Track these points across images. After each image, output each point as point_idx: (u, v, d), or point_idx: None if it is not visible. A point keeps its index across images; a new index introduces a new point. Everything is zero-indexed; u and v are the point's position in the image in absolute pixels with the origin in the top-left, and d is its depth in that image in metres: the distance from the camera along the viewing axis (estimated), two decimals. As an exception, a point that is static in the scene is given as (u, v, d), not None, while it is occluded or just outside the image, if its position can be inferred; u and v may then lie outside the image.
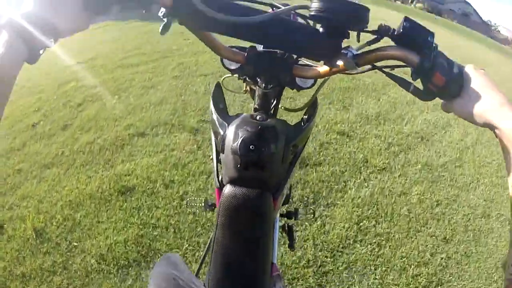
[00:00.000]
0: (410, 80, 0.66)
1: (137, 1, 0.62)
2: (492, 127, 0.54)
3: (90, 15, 0.60)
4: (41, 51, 0.53)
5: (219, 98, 0.91)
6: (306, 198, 2.80)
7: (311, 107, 0.93)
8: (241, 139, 0.68)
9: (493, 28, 49.32)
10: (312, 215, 2.55)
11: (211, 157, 1.29)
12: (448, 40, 16.18)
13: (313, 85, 0.90)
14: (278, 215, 1.18)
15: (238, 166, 0.70)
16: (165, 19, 0.69)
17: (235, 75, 0.95)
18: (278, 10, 0.66)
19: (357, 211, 2.77)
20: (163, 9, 0.66)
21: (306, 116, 0.90)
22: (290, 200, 2.40)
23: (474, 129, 4.81)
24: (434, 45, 0.62)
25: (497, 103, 0.54)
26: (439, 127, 4.78)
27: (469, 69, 0.61)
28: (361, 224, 2.65)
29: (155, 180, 2.84)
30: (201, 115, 3.84)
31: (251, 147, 0.67)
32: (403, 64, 0.66)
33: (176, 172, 2.96)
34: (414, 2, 38.90)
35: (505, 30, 50.43)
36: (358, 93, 5.14)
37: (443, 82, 0.59)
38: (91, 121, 3.79)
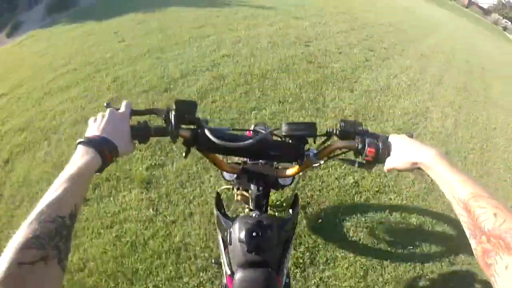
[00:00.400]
0: (353, 158, 0.98)
1: (167, 135, 0.90)
2: (418, 167, 0.78)
3: (136, 143, 0.89)
4: (108, 164, 0.77)
5: (219, 204, 1.19)
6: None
7: (294, 202, 1.21)
8: (246, 230, 0.96)
9: None
10: None
11: (218, 249, 1.33)
12: (404, 3, 15.95)
13: (291, 183, 1.28)
14: None
15: (246, 251, 0.96)
16: (186, 147, 0.97)
17: (229, 186, 1.50)
18: (260, 135, 0.94)
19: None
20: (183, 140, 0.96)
21: (291, 209, 1.20)
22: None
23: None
24: (363, 130, 0.95)
25: (415, 151, 0.80)
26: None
27: (392, 137, 0.89)
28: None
29: (114, 276, 2.24)
30: (150, 158, 3.17)
31: (253, 234, 0.95)
32: (347, 150, 1.00)
33: (137, 256, 2.36)
34: None
35: None
36: (329, 86, 4.77)
37: (373, 153, 0.87)
38: (21, 187, 3.10)
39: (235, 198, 1.37)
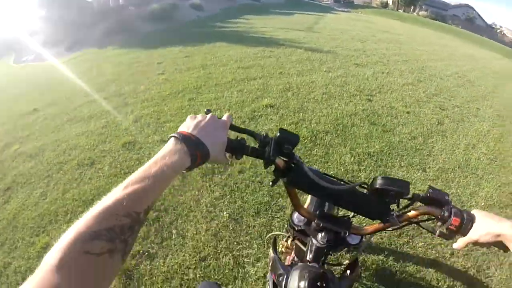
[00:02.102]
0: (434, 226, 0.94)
1: (263, 159, 0.85)
2: (499, 240, 0.75)
3: (230, 156, 0.84)
4: (195, 167, 0.71)
5: (275, 248, 1.23)
6: None
7: (353, 264, 1.13)
8: (308, 279, 0.89)
9: (498, 31, 47.68)
10: None
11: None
12: (466, 51, 14.90)
13: (359, 243, 1.15)
14: None
15: None
16: (275, 177, 0.93)
17: (282, 233, 1.75)
18: (356, 183, 0.92)
19: None
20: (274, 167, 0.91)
21: (348, 271, 1.13)
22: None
23: None
24: (449, 200, 0.90)
25: (497, 223, 0.76)
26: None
27: (476, 211, 0.85)
28: None
29: None
30: (141, 241, 2.39)
31: (317, 284, 0.88)
32: (430, 216, 0.94)
33: None
34: (417, 10, 38.44)
35: (510, 32, 48.52)
36: (396, 160, 3.70)
37: (458, 223, 0.84)
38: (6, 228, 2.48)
39: (281, 249, 1.49)
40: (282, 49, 7.83)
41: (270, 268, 1.13)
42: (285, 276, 1.00)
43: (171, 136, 0.70)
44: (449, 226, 0.86)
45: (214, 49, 7.79)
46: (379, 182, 0.92)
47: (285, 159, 0.91)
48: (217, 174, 3.00)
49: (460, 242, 0.86)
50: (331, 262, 1.51)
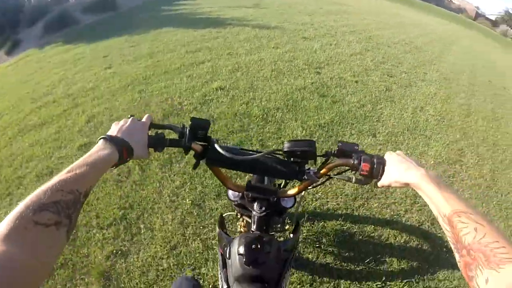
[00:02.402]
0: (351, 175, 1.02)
1: (181, 147, 0.98)
2: (407, 186, 0.83)
3: (151, 150, 0.95)
4: (123, 162, 0.84)
5: (222, 225, 1.27)
6: None
7: (295, 228, 1.27)
8: (245, 243, 0.99)
9: None
10: None
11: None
12: (413, 18, 15.34)
13: (292, 205, 1.30)
14: None
15: (244, 263, 0.97)
16: (195, 160, 1.05)
17: (233, 213, 1.72)
18: (264, 151, 1.00)
19: None
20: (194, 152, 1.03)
21: (292, 234, 1.24)
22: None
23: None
24: (358, 149, 1.00)
25: (405, 171, 0.84)
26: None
27: (388, 154, 0.94)
28: None
29: None
30: (112, 241, 2.43)
31: (252, 246, 0.98)
32: (344, 167, 1.04)
33: None
34: None
35: None
36: (347, 129, 3.90)
37: (368, 168, 0.93)
38: None
39: (240, 229, 1.57)
40: (229, 28, 7.78)
41: (218, 242, 1.22)
42: (228, 245, 1.08)
43: (100, 138, 0.82)
44: (361, 172, 0.94)
45: (160, 35, 7.62)
46: (286, 145, 1.01)
47: (201, 143, 1.02)
48: (175, 164, 3.06)
49: (378, 185, 0.94)
50: (278, 230, 1.72)
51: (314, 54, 6.25)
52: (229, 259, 1.04)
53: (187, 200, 2.68)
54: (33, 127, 4.33)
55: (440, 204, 0.69)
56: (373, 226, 2.60)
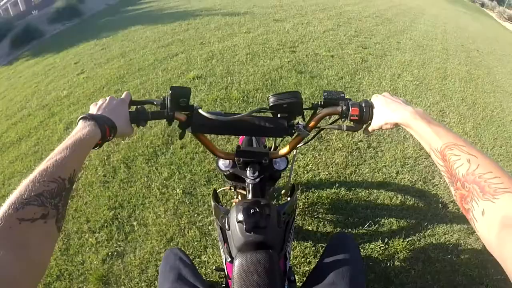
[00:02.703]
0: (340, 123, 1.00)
1: (163, 118, 0.94)
2: (397, 125, 0.83)
3: (134, 126, 0.92)
4: (107, 140, 0.80)
5: (217, 199, 1.28)
6: None
7: (292, 191, 1.30)
8: (243, 209, 0.96)
9: None
10: None
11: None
12: None
13: (286, 167, 1.25)
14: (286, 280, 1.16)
15: (244, 230, 0.94)
16: (181, 130, 1.02)
17: (227, 188, 1.63)
18: (250, 111, 0.96)
19: None
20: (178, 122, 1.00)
21: (288, 198, 1.27)
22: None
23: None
24: (344, 96, 0.98)
25: (393, 111, 0.83)
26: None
27: (374, 97, 0.93)
28: None
29: None
30: (106, 243, 2.36)
31: (251, 211, 0.95)
32: (333, 116, 1.01)
33: None
34: None
35: None
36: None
37: (357, 112, 0.91)
38: None
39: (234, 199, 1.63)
40: (199, 19, 7.67)
41: (214, 216, 1.17)
42: (226, 216, 1.05)
43: (79, 119, 0.77)
44: (351, 118, 0.92)
45: (130, 34, 7.48)
46: (271, 100, 0.97)
47: (184, 112, 0.99)
48: (160, 156, 3.00)
49: (366, 131, 0.94)
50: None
51: (287, 34, 6.22)
52: (229, 229, 1.02)
53: (178, 190, 2.63)
54: (11, 144, 4.20)
55: (431, 139, 0.69)
56: (367, 191, 2.61)
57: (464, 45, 7.76)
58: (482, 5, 29.29)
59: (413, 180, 2.76)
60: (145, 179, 2.79)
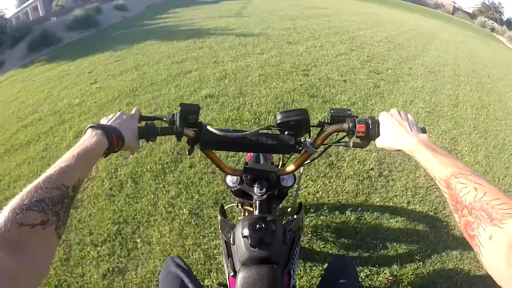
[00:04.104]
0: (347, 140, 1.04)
1: (173, 134, 0.96)
2: (401, 150, 0.83)
3: (143, 141, 0.95)
4: (113, 151, 0.81)
5: (223, 213, 1.23)
6: None
7: (298, 209, 1.22)
8: (249, 225, 0.95)
9: None
10: None
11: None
12: (392, 17, 15.69)
13: (293, 184, 1.26)
14: None
15: (249, 245, 0.93)
16: (189, 146, 1.03)
17: (234, 204, 1.58)
18: (257, 128, 0.97)
19: None
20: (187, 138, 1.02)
21: (295, 215, 1.19)
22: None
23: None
24: (351, 114, 0.99)
25: (398, 137, 0.84)
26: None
27: (382, 116, 0.92)
28: None
29: None
30: (108, 258, 2.30)
31: (257, 226, 0.95)
32: (341, 133, 1.01)
33: None
34: None
35: None
36: None
37: (364, 129, 0.92)
38: None
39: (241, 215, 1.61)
40: (213, 38, 7.79)
41: (220, 230, 1.16)
42: (231, 230, 1.05)
43: (88, 127, 0.78)
44: (358, 135, 0.93)
45: (145, 48, 7.60)
46: (278, 117, 0.99)
47: (193, 128, 1.01)
48: (168, 174, 2.98)
49: (376, 145, 0.94)
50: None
51: (300, 57, 6.29)
52: (234, 244, 1.01)
53: (184, 210, 2.59)
54: (20, 146, 4.21)
55: (437, 168, 0.70)
56: (377, 220, 2.56)
57: (475, 71, 7.79)
58: (492, 30, 29.82)
59: (424, 211, 2.71)
60: (152, 196, 2.77)
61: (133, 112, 0.97)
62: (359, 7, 17.87)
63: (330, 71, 5.63)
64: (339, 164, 3.14)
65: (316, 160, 3.11)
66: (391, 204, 2.76)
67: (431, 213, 2.71)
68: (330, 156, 3.19)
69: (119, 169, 3.12)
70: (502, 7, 44.65)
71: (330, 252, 2.28)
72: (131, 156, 3.24)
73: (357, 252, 2.29)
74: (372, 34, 9.52)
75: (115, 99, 4.79)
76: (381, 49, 7.83)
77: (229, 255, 1.05)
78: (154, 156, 3.21)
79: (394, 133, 0.86)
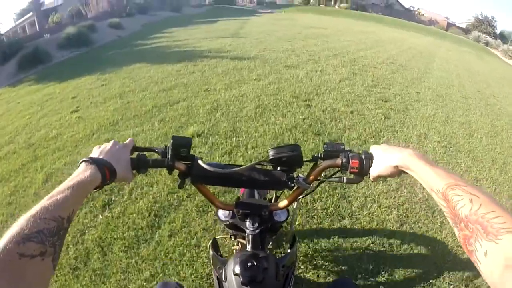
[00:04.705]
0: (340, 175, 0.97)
1: (164, 167, 0.93)
2: (399, 170, 0.80)
3: (135, 172, 0.91)
4: (106, 184, 0.80)
5: (215, 248, 1.21)
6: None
7: (292, 239, 1.24)
8: (241, 262, 0.93)
9: (416, 12, 49.79)
10: None
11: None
12: (390, 35, 15.54)
13: (286, 219, 1.20)
14: None
15: (240, 284, 0.90)
16: (180, 180, 1.00)
17: (226, 236, 1.52)
18: (250, 164, 0.96)
19: None
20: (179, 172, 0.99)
21: (289, 249, 1.20)
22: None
23: None
24: (344, 148, 0.96)
25: (391, 155, 0.82)
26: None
27: (373, 148, 0.91)
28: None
29: None
30: None
31: (248, 264, 0.92)
32: (334, 169, 0.98)
33: None
34: (338, 3, 39.36)
35: (427, 12, 50.82)
36: None
37: (357, 165, 0.89)
38: None
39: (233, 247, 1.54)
40: (206, 61, 7.37)
41: (212, 265, 1.16)
42: (223, 267, 1.04)
43: (81, 161, 0.79)
44: (351, 170, 0.91)
45: (133, 71, 7.16)
46: (270, 153, 0.97)
47: (185, 162, 0.99)
48: (142, 244, 2.42)
49: (370, 178, 0.91)
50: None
51: (301, 83, 5.84)
52: (225, 281, 1.01)
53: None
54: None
55: (432, 180, 0.68)
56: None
57: (480, 91, 7.54)
58: (487, 44, 30.30)
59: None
60: (122, 276, 2.21)
61: (127, 142, 0.96)
62: (356, 26, 17.81)
63: (334, 100, 5.16)
64: (353, 229, 2.60)
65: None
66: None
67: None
68: (343, 219, 2.68)
69: (86, 231, 2.60)
70: (495, 21, 45.41)
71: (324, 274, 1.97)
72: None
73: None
74: (373, 55, 9.21)
75: (93, 133, 4.30)
76: (385, 71, 7.47)
77: (220, 286, 1.05)
78: (127, 217, 2.68)
79: (387, 153, 0.85)
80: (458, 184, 0.62)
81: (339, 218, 2.68)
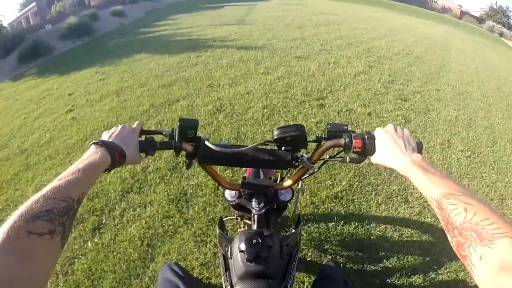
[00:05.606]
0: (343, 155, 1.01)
1: (171, 148, 0.96)
2: (394, 169, 0.81)
3: (143, 155, 0.94)
4: (116, 166, 0.82)
5: (222, 227, 1.29)
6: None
7: (296, 219, 1.30)
8: (246, 239, 0.94)
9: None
10: None
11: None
12: (403, 23, 14.96)
13: (291, 198, 1.25)
14: None
15: (245, 260, 0.93)
16: (187, 160, 1.03)
17: (233, 217, 1.54)
18: (255, 144, 0.96)
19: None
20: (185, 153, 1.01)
21: (293, 226, 1.29)
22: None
23: None
24: (347, 129, 0.98)
25: (392, 156, 0.82)
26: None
27: (377, 131, 0.91)
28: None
29: None
30: None
31: (253, 241, 0.93)
32: (337, 148, 1.01)
33: None
34: None
35: None
36: (371, 193, 2.97)
37: (360, 144, 0.91)
38: None
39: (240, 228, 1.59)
40: (210, 51, 6.94)
41: (218, 243, 1.15)
42: (229, 244, 1.06)
43: (91, 144, 0.81)
44: (354, 150, 0.93)
45: (133, 64, 6.80)
46: (275, 133, 1.01)
47: (192, 143, 1.02)
48: (135, 279, 2.11)
49: (372, 161, 0.91)
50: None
51: (313, 78, 5.37)
52: (231, 258, 1.02)
53: None
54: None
55: (428, 188, 0.69)
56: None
57: (499, 89, 6.94)
58: (501, 34, 29.41)
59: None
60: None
61: (134, 126, 0.97)
62: (367, 12, 17.13)
63: (350, 99, 4.69)
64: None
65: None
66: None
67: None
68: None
69: (76, 261, 2.29)
70: (510, 11, 44.32)
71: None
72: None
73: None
74: (388, 44, 8.66)
75: (86, 138, 3.99)
76: (401, 64, 6.94)
77: (227, 268, 1.05)
78: (119, 245, 2.35)
79: (388, 151, 0.85)
80: (453, 194, 0.62)
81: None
